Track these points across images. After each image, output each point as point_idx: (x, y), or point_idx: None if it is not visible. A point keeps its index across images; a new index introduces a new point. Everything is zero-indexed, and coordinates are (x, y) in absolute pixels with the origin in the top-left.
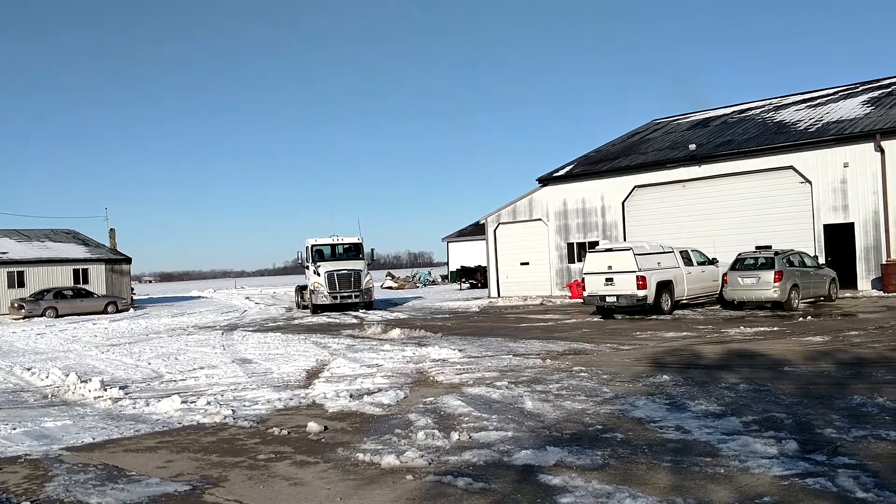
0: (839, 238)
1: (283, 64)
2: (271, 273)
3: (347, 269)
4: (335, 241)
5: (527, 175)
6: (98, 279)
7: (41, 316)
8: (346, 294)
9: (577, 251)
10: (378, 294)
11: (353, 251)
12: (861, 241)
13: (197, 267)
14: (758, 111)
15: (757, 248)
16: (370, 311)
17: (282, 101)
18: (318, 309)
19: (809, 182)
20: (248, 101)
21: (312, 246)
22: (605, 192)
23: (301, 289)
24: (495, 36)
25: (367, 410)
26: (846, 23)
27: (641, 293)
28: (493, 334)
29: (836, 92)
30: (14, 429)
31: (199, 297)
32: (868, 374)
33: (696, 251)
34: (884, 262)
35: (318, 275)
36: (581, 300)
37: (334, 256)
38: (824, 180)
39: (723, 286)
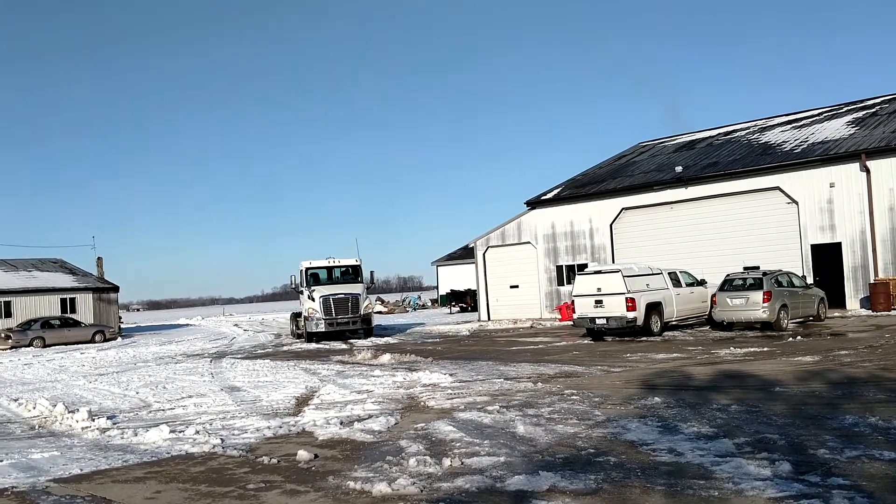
0: (827, 258)
1: (269, 88)
2: (260, 299)
3: (345, 293)
4: (331, 264)
5: (515, 199)
6: (85, 308)
7: (28, 346)
8: (343, 320)
9: (567, 273)
10: None
11: (352, 274)
12: (849, 260)
13: (185, 294)
14: (743, 133)
15: (745, 268)
16: (369, 339)
17: (269, 124)
18: (313, 337)
19: (796, 202)
20: (235, 126)
21: (307, 269)
22: (593, 214)
23: (296, 316)
24: (483, 59)
25: (358, 437)
26: (830, 44)
27: (631, 315)
28: (484, 358)
29: (821, 113)
30: (0, 461)
31: (188, 324)
32: (859, 394)
33: (685, 272)
34: (872, 282)
35: (313, 300)
36: (571, 322)
37: (331, 280)
38: (811, 201)
39: (712, 307)
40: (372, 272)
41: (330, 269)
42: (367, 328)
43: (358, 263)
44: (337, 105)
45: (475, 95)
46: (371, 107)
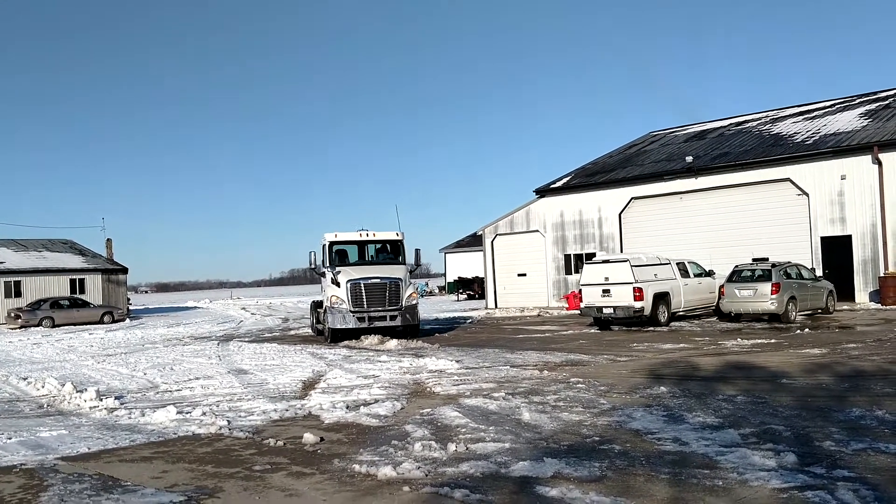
0: (837, 250)
1: (281, 72)
2: (268, 283)
3: (381, 278)
4: (364, 238)
5: (524, 186)
6: (94, 289)
7: (38, 325)
8: (377, 314)
9: (575, 262)
10: None
11: (390, 252)
12: (859, 253)
13: (193, 277)
14: (754, 124)
15: (754, 260)
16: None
17: (280, 109)
18: (337, 336)
19: (807, 194)
20: (246, 109)
21: (331, 243)
22: (602, 203)
23: (317, 305)
24: (492, 46)
25: (364, 421)
26: (844, 35)
27: (638, 304)
28: (491, 345)
29: (833, 104)
30: (9, 438)
31: (195, 307)
32: (867, 387)
33: (693, 263)
34: (882, 275)
35: (338, 285)
36: (578, 311)
37: (363, 259)
38: (821, 192)
39: (720, 298)
40: (417, 251)
41: (362, 245)
42: (411, 325)
43: (399, 238)
44: (349, 90)
45: (488, 84)
46: (382, 93)
